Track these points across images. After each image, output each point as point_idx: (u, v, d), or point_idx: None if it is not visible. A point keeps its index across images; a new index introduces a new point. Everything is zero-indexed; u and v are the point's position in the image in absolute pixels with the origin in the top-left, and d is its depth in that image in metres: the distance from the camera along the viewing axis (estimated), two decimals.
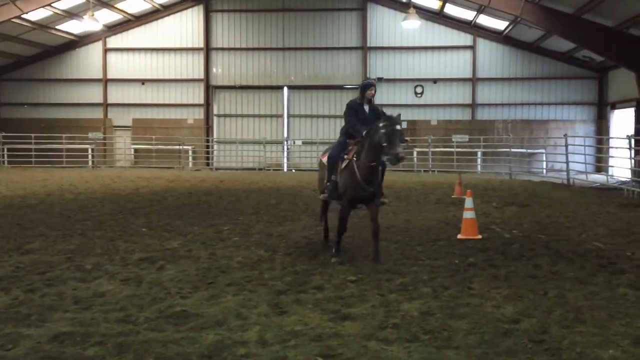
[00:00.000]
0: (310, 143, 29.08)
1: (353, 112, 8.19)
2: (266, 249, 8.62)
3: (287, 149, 29.81)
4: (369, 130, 7.71)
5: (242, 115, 30.01)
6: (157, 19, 30.02)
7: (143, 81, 30.05)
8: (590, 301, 5.94)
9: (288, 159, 29.64)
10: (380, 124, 7.51)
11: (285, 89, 29.80)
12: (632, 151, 17.44)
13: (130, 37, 30.22)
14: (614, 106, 27.23)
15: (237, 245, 8.98)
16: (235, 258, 7.98)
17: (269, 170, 27.64)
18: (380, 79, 28.87)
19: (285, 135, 29.93)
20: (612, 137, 24.98)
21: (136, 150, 29.75)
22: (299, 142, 29.54)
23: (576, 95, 28.56)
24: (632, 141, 17.32)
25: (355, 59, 29.34)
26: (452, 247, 8.85)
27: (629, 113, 25.08)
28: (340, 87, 29.54)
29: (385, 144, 7.36)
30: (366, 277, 6.93)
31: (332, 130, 29.29)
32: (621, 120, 26.54)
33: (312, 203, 14.43)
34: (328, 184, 8.06)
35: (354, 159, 7.76)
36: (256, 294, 6.18)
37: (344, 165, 7.90)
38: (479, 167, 26.89)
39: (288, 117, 29.92)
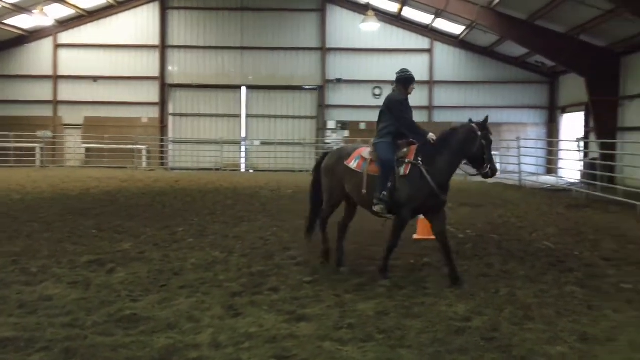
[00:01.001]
0: (268, 143, 28.94)
1: (404, 109, 7.18)
2: (221, 251, 8.50)
3: (245, 149, 29.57)
4: (449, 133, 7.01)
5: (198, 115, 29.62)
6: (111, 15, 29.35)
7: (95, 78, 29.31)
8: (539, 299, 6.07)
9: (246, 160, 29.42)
10: (479, 132, 6.80)
11: (244, 88, 29.56)
12: (581, 153, 17.91)
13: (83, 33, 29.44)
14: (564, 110, 27.98)
15: (192, 246, 8.83)
16: (189, 260, 7.84)
17: (226, 170, 27.37)
18: (339, 80, 29.03)
19: (243, 135, 29.68)
20: (562, 140, 25.65)
21: (87, 150, 28.97)
22: (257, 143, 29.35)
23: (529, 99, 29.22)
24: (581, 144, 17.81)
25: (314, 60, 29.35)
26: (407, 247, 8.89)
27: (579, 117, 25.84)
28: (299, 88, 29.51)
29: (485, 156, 6.79)
30: (322, 278, 6.92)
31: (290, 131, 29.30)
32: (571, 124, 27.31)
33: (269, 203, 14.41)
34: (385, 193, 6.77)
35: (420, 163, 6.79)
36: (210, 296, 6.08)
37: (406, 170, 6.80)
38: None
39: (246, 117, 29.67)
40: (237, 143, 29.50)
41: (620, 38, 20.07)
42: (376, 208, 6.86)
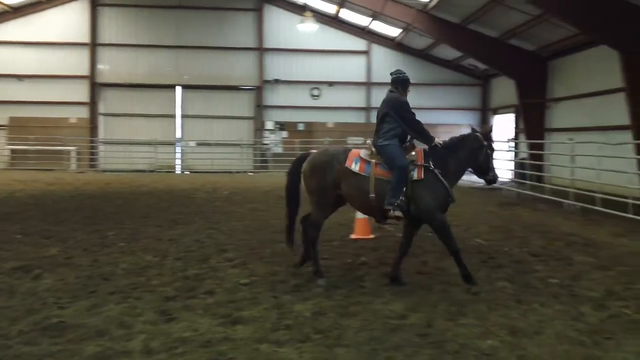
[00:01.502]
0: (204, 144, 28.53)
1: (411, 110, 7.08)
2: (155, 254, 8.27)
3: (181, 150, 29.04)
4: (458, 141, 7.13)
5: (131, 115, 28.81)
6: (38, 11, 28.22)
7: (21, 77, 28.09)
8: (472, 295, 6.22)
9: (181, 161, 28.88)
10: (485, 142, 7.04)
11: (179, 88, 29.04)
12: (511, 153, 18.52)
13: (7, 29, 28.15)
14: (495, 111, 28.89)
15: (123, 251, 8.55)
16: (120, 264, 7.59)
17: (161, 172, 26.79)
18: (276, 81, 28.95)
19: (179, 136, 29.15)
20: (494, 141, 26.40)
21: (12, 152, 27.74)
22: (192, 144, 28.88)
23: (462, 101, 30.01)
24: (511, 144, 18.41)
25: (252, 60, 29.15)
26: (345, 247, 8.96)
27: (510, 118, 26.73)
28: (236, 88, 29.25)
29: (490, 165, 7.07)
30: (260, 280, 6.86)
31: (227, 132, 28.97)
32: (502, 125, 28.20)
33: (205, 205, 14.19)
34: (402, 198, 6.59)
35: (432, 167, 6.71)
36: (142, 302, 5.92)
37: (420, 174, 6.67)
38: None
39: (181, 118, 29.16)
40: (172, 144, 28.94)
41: (548, 42, 20.87)
42: (395, 213, 6.63)
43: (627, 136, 15.65)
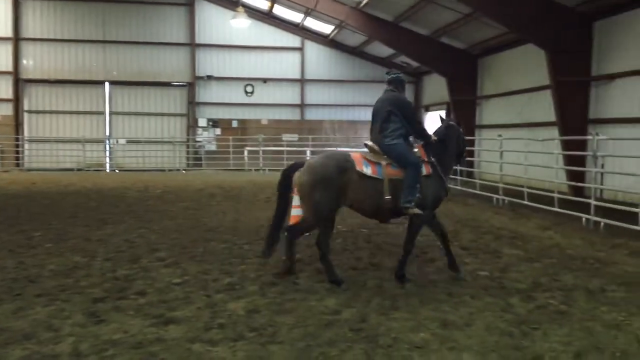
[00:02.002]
0: (135, 142, 27.81)
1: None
2: (83, 255, 8.02)
3: (110, 148, 28.18)
4: (443, 132, 7.23)
5: (57, 112, 27.75)
6: None
7: None
8: (404, 289, 6.30)
9: (111, 159, 28.02)
10: (460, 129, 7.47)
11: (107, 84, 28.17)
12: None
13: None
14: (428, 108, 29.50)
15: (50, 252, 8.23)
16: (47, 266, 7.31)
17: (90, 170, 25.96)
18: (209, 77, 28.54)
19: (108, 133, 28.28)
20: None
21: None
22: (122, 141, 28.09)
23: None
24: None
25: (183, 56, 28.59)
26: (280, 244, 8.88)
27: (441, 114, 27.28)
28: (167, 84, 28.64)
29: (464, 150, 7.52)
30: (192, 279, 6.74)
31: (159, 129, 28.36)
32: (434, 121, 28.81)
33: (136, 204, 13.83)
34: (418, 195, 6.61)
35: (435, 162, 6.86)
36: (70, 304, 5.73)
37: (428, 170, 6.78)
38: None
39: (110, 115, 28.29)
40: (101, 142, 28.02)
41: (478, 40, 21.45)
42: (413, 211, 6.58)
43: (553, 132, 16.30)
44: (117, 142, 28.11)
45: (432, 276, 6.88)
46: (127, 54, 28.14)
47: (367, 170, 6.60)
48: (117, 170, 26.99)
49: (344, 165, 6.57)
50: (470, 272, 7.14)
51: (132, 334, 4.91)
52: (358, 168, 6.58)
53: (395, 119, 6.85)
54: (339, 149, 25.57)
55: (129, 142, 27.97)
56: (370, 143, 6.96)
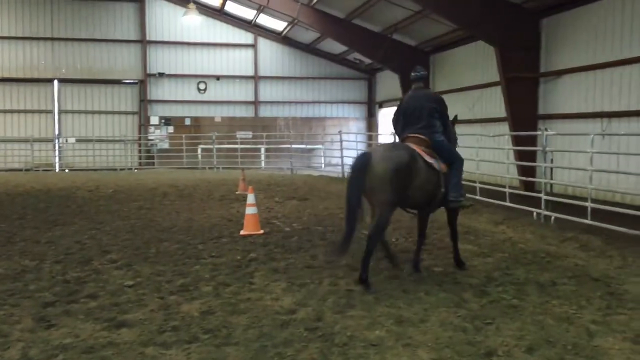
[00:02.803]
0: (85, 141, 27.12)
1: None
2: (32, 258, 7.81)
3: (59, 147, 27.40)
4: (453, 130, 7.60)
5: (4, 111, 26.88)
6: None
7: None
8: (360, 286, 6.29)
9: (60, 158, 27.26)
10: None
11: (56, 82, 27.38)
12: None
13: None
14: (381, 105, 29.76)
15: None
16: None
17: (38, 170, 25.20)
18: (161, 74, 28.08)
19: (57, 132, 27.50)
20: (380, 134, 27.21)
21: None
22: (72, 140, 27.36)
23: (349, 95, 30.65)
24: (396, 137, 18.94)
25: (134, 53, 28.05)
26: (234, 243, 8.83)
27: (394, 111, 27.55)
28: (118, 82, 28.05)
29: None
30: (145, 281, 6.63)
31: (110, 127, 27.77)
32: (388, 118, 29.06)
33: (87, 205, 13.51)
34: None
35: None
36: (19, 308, 5.60)
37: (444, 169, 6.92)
38: (262, 163, 27.45)
39: (59, 113, 27.53)
40: (50, 141, 27.24)
41: (429, 37, 21.72)
42: (463, 204, 7.01)
43: (504, 128, 16.63)
44: (66, 141, 27.38)
45: (387, 273, 6.90)
46: (77, 51, 27.46)
47: (432, 161, 6.69)
48: (66, 170, 26.32)
49: (414, 154, 6.54)
50: (426, 268, 7.20)
51: (83, 338, 4.80)
52: (426, 158, 6.64)
53: (437, 115, 7.04)
54: (293, 146, 25.54)
55: (79, 141, 27.28)
56: (421, 135, 6.90)
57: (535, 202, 11.45)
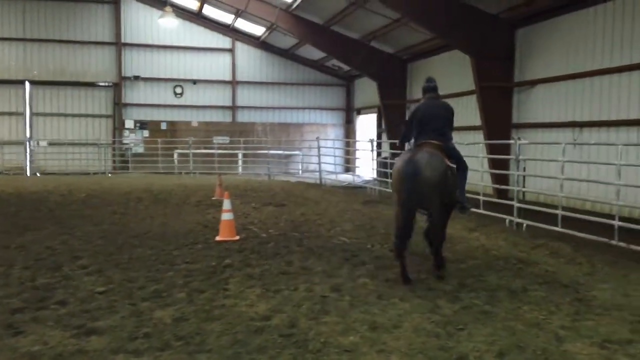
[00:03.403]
0: (57, 144, 26.72)
1: None
2: (1, 263, 7.64)
3: (31, 150, 26.91)
4: None
5: None
6: None
7: None
8: (335, 292, 6.32)
9: (31, 162, 26.78)
10: None
11: (27, 84, 26.88)
12: (374, 153, 19.18)
13: None
14: (359, 112, 29.89)
15: None
16: None
17: (9, 174, 24.73)
18: (136, 77, 27.84)
19: (28, 135, 26.96)
20: (358, 140, 27.34)
21: None
22: (44, 143, 26.94)
23: (327, 101, 30.72)
24: (374, 144, 19.06)
25: (109, 55, 27.76)
26: (210, 249, 8.77)
27: (372, 118, 27.76)
28: (91, 84, 27.71)
29: None
30: (117, 287, 6.53)
31: (83, 131, 27.42)
32: (366, 125, 29.24)
33: (59, 209, 13.31)
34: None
35: None
36: None
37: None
38: (239, 168, 27.35)
39: (31, 116, 27.04)
40: (21, 144, 26.74)
41: (407, 45, 21.90)
42: (469, 207, 7.60)
43: (479, 136, 16.82)
44: (38, 144, 26.94)
45: (362, 279, 6.93)
46: (49, 52, 27.08)
47: (453, 166, 7.22)
48: (38, 174, 25.85)
49: (445, 159, 7.10)
50: (400, 274, 7.21)
51: (52, 345, 4.72)
52: (449, 163, 7.14)
53: (448, 124, 7.51)
54: (270, 151, 25.50)
55: (51, 144, 26.85)
56: (436, 142, 7.27)
57: (508, 210, 11.59)
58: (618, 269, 7.75)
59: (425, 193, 6.82)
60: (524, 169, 12.26)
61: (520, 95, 16.21)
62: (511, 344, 4.78)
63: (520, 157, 11.58)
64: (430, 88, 7.68)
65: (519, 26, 16.05)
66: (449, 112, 7.58)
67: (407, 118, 8.03)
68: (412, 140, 7.68)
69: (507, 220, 11.39)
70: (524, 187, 12.41)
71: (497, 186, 13.83)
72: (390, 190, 17.06)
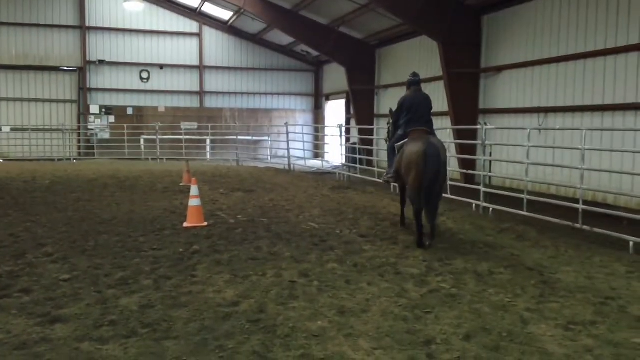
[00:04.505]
0: (21, 130, 26.12)
1: None
2: None
3: None
4: None
5: None
6: None
7: None
8: (304, 278, 6.32)
9: None
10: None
11: None
12: (343, 138, 19.20)
13: None
14: (328, 97, 29.84)
15: None
16: None
17: None
18: (101, 62, 27.30)
19: None
20: (327, 126, 27.33)
21: None
22: (6, 129, 26.29)
23: (296, 87, 30.60)
24: (343, 129, 19.07)
25: (73, 39, 27.15)
26: (177, 235, 8.69)
27: (341, 104, 27.75)
28: (55, 69, 27.10)
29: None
30: (82, 274, 6.43)
31: (47, 116, 26.84)
32: (334, 110, 29.24)
33: (22, 197, 13.03)
34: None
35: None
36: None
37: None
38: (208, 154, 27.13)
39: None
40: None
41: (375, 31, 21.90)
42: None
43: (447, 122, 16.96)
44: (0, 130, 26.27)
45: (330, 264, 6.94)
46: (11, 36, 26.37)
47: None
48: (0, 160, 25.27)
49: None
50: (369, 259, 7.27)
51: (16, 334, 4.63)
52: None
53: (430, 112, 8.93)
54: (239, 137, 25.33)
55: (14, 130, 26.25)
56: (425, 128, 8.66)
57: (475, 194, 11.74)
58: (582, 251, 7.92)
59: (441, 171, 8.06)
60: (490, 154, 12.41)
61: (487, 81, 16.38)
62: (477, 327, 4.85)
63: (487, 142, 11.71)
64: (415, 82, 9.02)
65: (485, 12, 16.18)
66: (430, 102, 8.98)
67: (396, 108, 9.28)
68: (401, 127, 8.96)
69: (473, 205, 11.53)
70: (490, 172, 12.56)
71: (464, 171, 13.99)
72: (359, 176, 17.22)
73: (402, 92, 20.68)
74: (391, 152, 9.36)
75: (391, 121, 9.87)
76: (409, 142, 8.48)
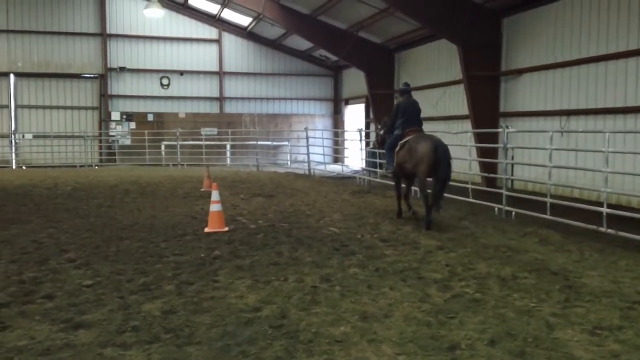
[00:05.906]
0: (42, 137, 26.46)
1: None
2: None
3: (16, 143, 26.64)
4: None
5: None
6: None
7: None
8: (325, 283, 6.29)
9: (17, 155, 26.52)
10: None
11: (12, 76, 26.59)
12: (362, 143, 19.15)
13: None
14: (347, 102, 29.81)
15: None
16: None
17: None
18: (122, 69, 27.58)
19: (13, 128, 26.71)
20: (346, 130, 27.29)
21: None
22: (29, 136, 26.65)
23: (315, 91, 30.61)
24: (362, 134, 19.03)
25: (94, 46, 27.46)
26: (198, 241, 8.70)
27: (360, 108, 27.70)
28: (77, 76, 27.42)
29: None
30: (104, 280, 6.44)
31: (68, 123, 27.15)
32: (354, 115, 29.19)
33: (45, 203, 13.18)
34: None
35: None
36: None
37: None
38: (228, 159, 27.24)
39: (15, 108, 26.75)
40: (6, 137, 26.47)
41: (394, 35, 21.84)
42: None
43: (467, 125, 16.83)
44: (23, 137, 26.65)
45: (352, 269, 6.90)
46: (34, 44, 26.73)
47: None
48: (23, 167, 25.62)
49: None
50: (390, 263, 7.21)
51: (39, 340, 4.63)
52: None
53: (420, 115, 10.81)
54: (259, 142, 25.40)
55: (36, 137, 26.59)
56: (418, 128, 10.43)
57: (497, 198, 11.62)
58: (607, 255, 7.79)
59: (449, 161, 9.45)
60: (512, 158, 12.30)
61: (507, 84, 16.23)
62: (502, 332, 4.77)
63: (508, 145, 11.59)
64: (407, 90, 10.91)
65: (505, 15, 16.05)
66: (419, 106, 10.82)
67: (392, 112, 10.95)
68: (397, 128, 10.58)
69: (496, 209, 11.41)
70: (512, 175, 12.43)
71: (485, 175, 13.86)
72: (378, 180, 17.15)
73: (421, 95, 20.71)
74: (389, 149, 10.74)
75: (385, 128, 11.67)
76: (413, 139, 9.91)
